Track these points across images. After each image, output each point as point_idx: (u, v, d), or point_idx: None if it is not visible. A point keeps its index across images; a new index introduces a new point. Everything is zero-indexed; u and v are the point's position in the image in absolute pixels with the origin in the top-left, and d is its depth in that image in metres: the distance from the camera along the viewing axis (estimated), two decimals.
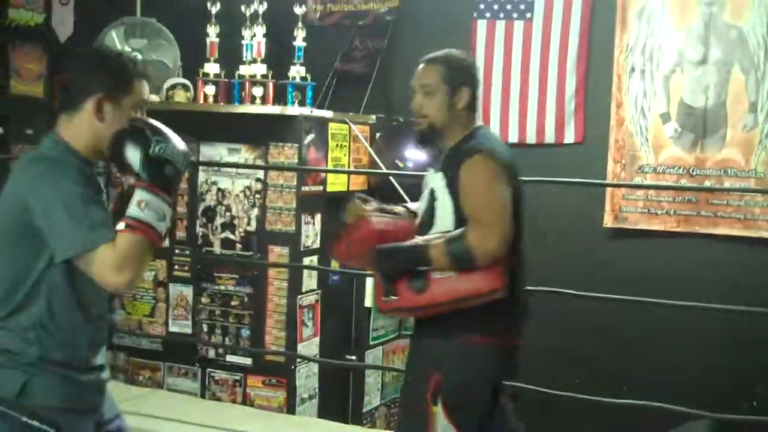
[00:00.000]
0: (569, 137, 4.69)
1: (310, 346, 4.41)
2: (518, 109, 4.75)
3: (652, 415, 3.40)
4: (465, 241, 2.39)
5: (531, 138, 4.74)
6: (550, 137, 4.72)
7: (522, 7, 4.73)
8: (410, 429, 2.66)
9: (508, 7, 4.77)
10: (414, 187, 4.39)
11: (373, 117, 4.75)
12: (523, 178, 3.96)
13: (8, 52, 4.38)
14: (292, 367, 4.30)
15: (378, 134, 4.73)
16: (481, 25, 4.80)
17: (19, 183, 2.08)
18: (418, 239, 2.52)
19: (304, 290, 4.34)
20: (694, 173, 4.42)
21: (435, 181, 2.56)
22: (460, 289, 2.43)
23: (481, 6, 4.80)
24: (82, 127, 2.13)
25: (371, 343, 4.82)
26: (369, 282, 4.48)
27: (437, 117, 2.55)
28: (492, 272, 2.42)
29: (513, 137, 4.75)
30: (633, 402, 3.46)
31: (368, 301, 4.58)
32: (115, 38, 4.66)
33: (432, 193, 2.57)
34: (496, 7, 4.78)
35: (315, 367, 4.45)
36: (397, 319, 4.82)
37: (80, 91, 2.12)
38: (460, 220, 2.47)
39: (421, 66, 2.64)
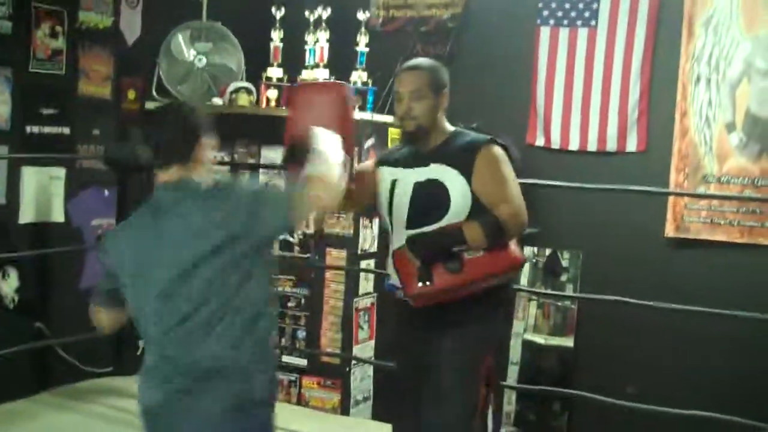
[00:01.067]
0: (631, 145, 4.63)
1: (365, 348, 4.43)
2: (580, 117, 4.70)
3: (716, 426, 3.33)
4: (499, 218, 2.61)
5: (592, 145, 4.69)
6: (612, 145, 4.66)
7: (586, 14, 4.68)
8: (463, 414, 2.72)
9: (573, 14, 4.72)
10: None
11: None
12: (586, 185, 3.96)
13: (78, 54, 4.48)
14: (347, 369, 4.33)
15: None
16: (545, 32, 4.77)
17: None
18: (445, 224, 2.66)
19: (360, 293, 4.36)
20: (759, 184, 4.32)
21: (439, 173, 2.69)
22: (496, 265, 2.62)
23: (545, 13, 4.77)
24: None
25: None
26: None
27: (426, 119, 2.72)
28: (516, 247, 2.72)
29: (574, 144, 4.71)
30: (699, 413, 3.40)
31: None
32: (181, 41, 4.74)
33: (428, 185, 2.70)
34: (560, 14, 4.75)
35: (370, 370, 4.46)
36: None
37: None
38: (476, 205, 2.66)
39: (406, 72, 2.77)
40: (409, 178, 2.74)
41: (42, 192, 4.27)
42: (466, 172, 2.67)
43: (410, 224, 2.69)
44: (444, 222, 2.64)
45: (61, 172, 4.38)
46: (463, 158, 2.69)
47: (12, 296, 4.24)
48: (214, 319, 2.10)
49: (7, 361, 3.97)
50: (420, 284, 2.58)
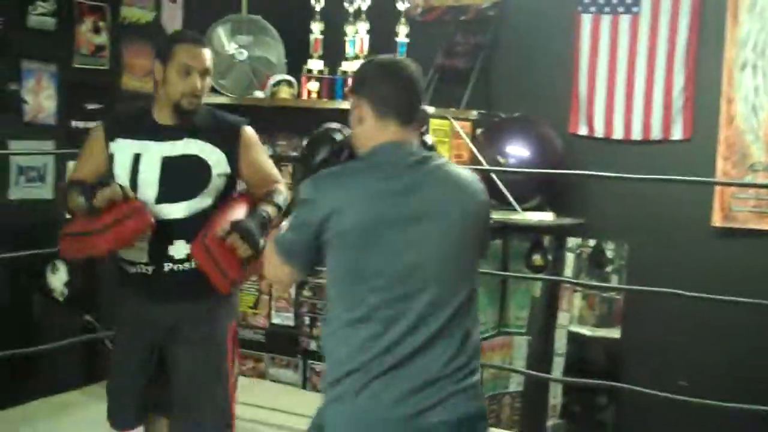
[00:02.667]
0: (677, 133, 4.56)
1: None
2: (624, 105, 4.65)
3: (764, 419, 3.29)
4: (282, 192, 2.76)
5: (637, 134, 4.63)
6: (656, 133, 4.60)
7: (629, 0, 4.62)
8: (219, 379, 2.78)
9: (615, 1, 4.66)
10: (515, 184, 4.38)
11: (475, 113, 4.73)
12: (631, 176, 3.91)
13: (120, 49, 4.52)
14: None
15: (479, 130, 4.70)
16: (586, 20, 4.72)
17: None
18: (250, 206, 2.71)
19: None
20: None
21: (196, 149, 2.65)
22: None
23: (587, 0, 4.72)
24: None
25: None
26: None
27: (203, 98, 2.72)
28: None
29: (618, 133, 4.65)
30: (748, 407, 3.35)
31: None
32: (221, 35, 4.77)
33: (183, 160, 2.64)
34: (601, 1, 4.69)
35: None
36: (493, 316, 4.81)
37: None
38: (230, 182, 2.74)
39: (199, 46, 2.67)
40: (155, 151, 2.65)
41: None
42: (229, 151, 2.69)
43: (160, 200, 2.62)
44: (199, 199, 2.64)
45: None
46: (224, 136, 2.70)
47: (61, 290, 4.31)
48: None
49: (58, 353, 4.03)
50: (244, 270, 2.61)
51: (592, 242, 4.85)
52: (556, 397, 4.88)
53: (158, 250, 2.63)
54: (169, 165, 2.64)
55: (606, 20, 4.67)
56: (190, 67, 2.60)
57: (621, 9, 4.64)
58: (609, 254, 4.91)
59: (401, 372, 1.91)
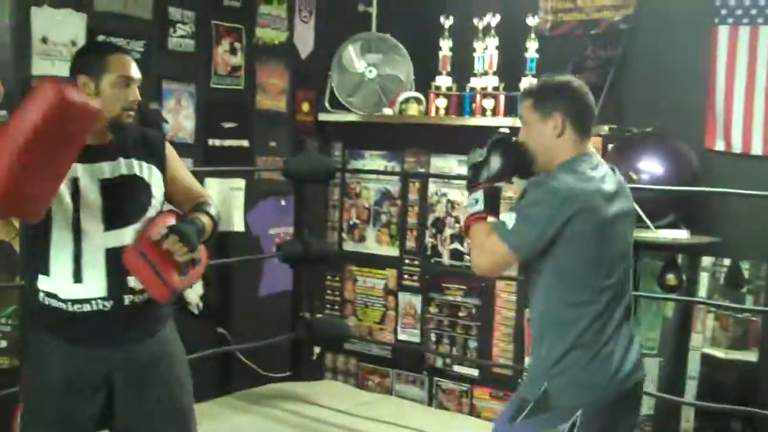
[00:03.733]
0: None
1: None
2: (764, 119, 4.47)
3: None
4: (213, 203, 2.62)
5: None
6: None
7: None
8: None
9: (753, 11, 4.50)
10: (648, 201, 4.28)
11: (606, 127, 4.64)
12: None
13: (255, 69, 4.65)
14: (520, 380, 4.28)
15: (611, 145, 4.61)
16: (723, 32, 4.56)
17: None
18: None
19: None
20: None
21: (133, 168, 2.51)
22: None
23: (723, 11, 4.56)
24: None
25: None
26: None
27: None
28: None
29: (757, 149, 4.48)
30: None
31: None
32: (352, 53, 4.85)
33: (123, 181, 2.48)
34: (739, 12, 4.53)
35: None
36: None
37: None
38: (164, 196, 2.59)
39: (128, 57, 2.51)
40: (93, 174, 2.43)
41: (224, 203, 4.45)
42: (161, 165, 2.55)
43: (108, 227, 2.42)
44: (145, 219, 2.47)
45: (241, 183, 4.56)
46: (153, 151, 2.55)
47: (197, 303, 4.44)
48: None
49: (193, 365, 4.15)
50: (182, 278, 2.45)
51: (726, 261, 4.69)
52: (688, 421, 4.72)
53: (117, 281, 2.41)
54: (109, 188, 2.44)
55: (744, 31, 4.51)
56: (128, 78, 2.43)
57: (760, 20, 4.47)
58: (745, 274, 4.74)
59: (620, 339, 2.35)
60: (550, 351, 2.32)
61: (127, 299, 2.43)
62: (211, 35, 4.40)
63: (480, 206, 2.36)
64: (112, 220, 2.43)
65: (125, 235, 2.42)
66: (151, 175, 2.52)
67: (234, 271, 4.57)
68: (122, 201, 2.45)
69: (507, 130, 2.51)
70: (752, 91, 4.52)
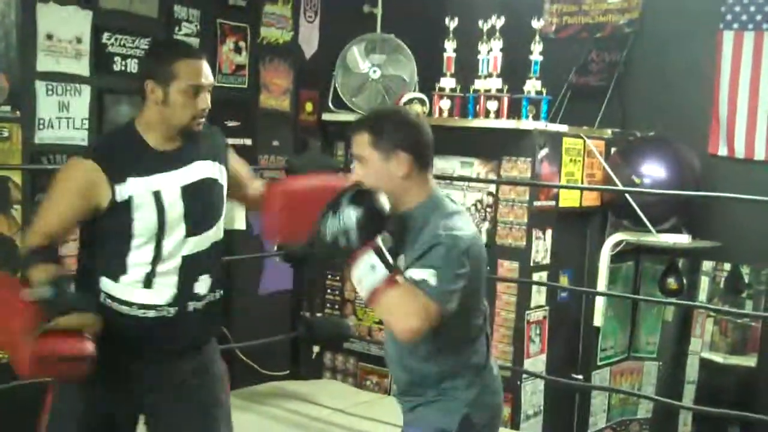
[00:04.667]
0: None
1: (536, 362, 4.38)
2: (767, 125, 4.48)
3: None
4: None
5: None
6: None
7: None
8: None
9: (758, 17, 4.51)
10: (650, 205, 4.28)
11: (609, 131, 4.65)
12: None
13: (259, 68, 4.65)
14: (518, 382, 4.29)
15: (614, 149, 4.62)
16: (728, 36, 4.57)
17: None
18: None
19: (532, 306, 4.32)
20: None
21: (208, 170, 2.43)
22: None
23: (728, 16, 4.57)
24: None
25: (599, 363, 4.71)
26: (599, 301, 4.40)
27: None
28: None
29: (760, 154, 4.49)
30: None
31: (597, 320, 4.48)
32: (356, 54, 4.85)
33: (202, 186, 2.41)
34: (744, 17, 4.54)
35: (541, 384, 4.41)
36: (623, 340, 4.70)
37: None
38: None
39: (203, 59, 2.38)
40: (173, 183, 2.37)
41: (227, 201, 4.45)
42: (226, 163, 2.51)
43: (189, 234, 2.37)
44: (219, 223, 2.45)
45: None
46: (219, 149, 2.49)
47: None
48: None
49: None
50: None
51: (727, 266, 4.71)
52: (686, 425, 4.74)
53: (186, 288, 2.38)
54: (190, 194, 2.38)
55: (749, 37, 4.52)
56: (198, 87, 2.32)
57: (765, 26, 4.48)
58: (746, 279, 4.76)
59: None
60: (460, 382, 2.30)
61: (191, 306, 2.39)
62: (216, 34, 4.40)
63: (383, 270, 2.08)
64: (194, 226, 2.39)
65: (204, 241, 2.41)
66: (222, 176, 2.48)
67: (234, 269, 4.57)
68: (203, 205, 2.41)
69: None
70: (756, 97, 4.53)
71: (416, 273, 2.10)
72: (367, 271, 2.09)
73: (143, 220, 2.32)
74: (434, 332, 2.14)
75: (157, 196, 2.33)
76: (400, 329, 2.10)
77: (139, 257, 2.34)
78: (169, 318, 2.37)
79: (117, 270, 2.34)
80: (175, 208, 2.35)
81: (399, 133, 2.21)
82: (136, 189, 2.32)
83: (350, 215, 2.09)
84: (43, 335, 2.11)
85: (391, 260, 2.11)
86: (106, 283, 2.34)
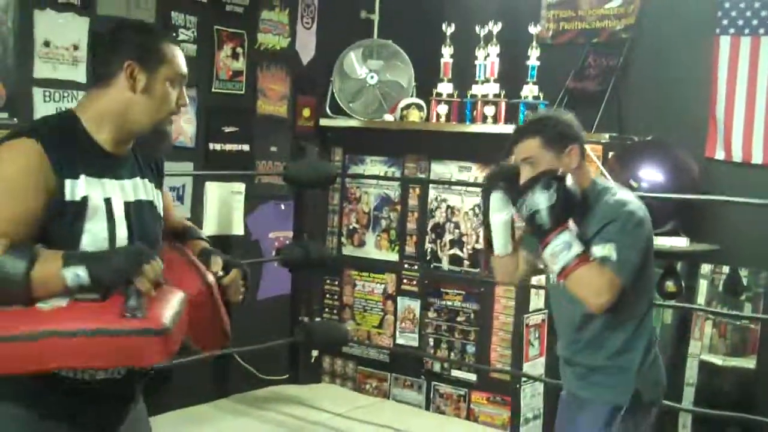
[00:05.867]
0: None
1: (535, 365, 4.38)
2: (764, 128, 4.49)
3: None
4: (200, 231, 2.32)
5: None
6: None
7: None
8: None
9: (755, 22, 4.51)
10: (648, 209, 4.28)
11: (606, 136, 4.65)
12: None
13: (256, 74, 4.66)
14: (517, 386, 4.29)
15: (611, 153, 4.62)
16: (725, 41, 4.58)
17: None
18: None
19: (531, 309, 4.32)
20: None
21: (147, 192, 2.01)
22: None
23: (725, 22, 4.58)
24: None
25: None
26: None
27: None
28: None
29: (757, 158, 4.49)
30: None
31: None
32: (353, 60, 4.87)
33: (142, 209, 1.97)
34: (741, 22, 4.55)
35: (540, 387, 4.41)
36: None
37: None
38: None
39: (178, 47, 2.00)
40: (118, 195, 1.91)
41: (224, 206, 4.47)
42: (161, 188, 2.08)
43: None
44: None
45: (241, 187, 4.57)
46: (158, 171, 2.08)
47: None
48: None
49: (192, 367, 4.16)
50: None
51: (725, 269, 4.70)
52: (685, 427, 4.73)
53: None
54: (133, 215, 1.93)
55: (746, 42, 4.53)
56: (183, 76, 1.96)
57: (762, 30, 4.48)
58: (744, 281, 4.75)
59: None
60: (634, 354, 2.50)
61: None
62: (213, 40, 4.41)
63: (578, 248, 2.37)
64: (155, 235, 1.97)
65: None
66: (159, 202, 2.04)
67: None
68: (145, 233, 1.95)
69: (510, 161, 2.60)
70: (753, 101, 4.53)
71: (598, 249, 2.38)
72: (562, 248, 2.36)
73: (93, 234, 1.83)
74: (618, 303, 2.39)
75: (108, 205, 1.87)
76: (591, 303, 2.40)
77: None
78: (117, 379, 1.92)
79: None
80: (121, 226, 1.89)
81: (573, 129, 2.56)
82: (92, 190, 1.84)
83: (551, 196, 2.37)
84: None
85: (581, 240, 2.39)
86: None
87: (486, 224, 2.67)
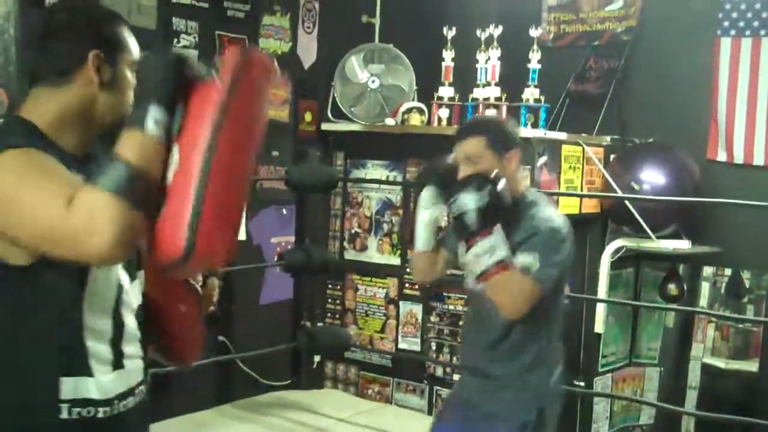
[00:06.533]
0: None
1: None
2: (765, 130, 4.49)
3: None
4: None
5: None
6: None
7: None
8: None
9: (755, 23, 4.52)
10: (650, 211, 4.29)
11: (608, 138, 4.66)
12: None
13: None
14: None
15: (612, 156, 4.62)
16: (725, 43, 4.58)
17: None
18: None
19: None
20: None
21: None
22: None
23: (726, 23, 4.58)
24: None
25: (600, 369, 4.71)
26: (599, 307, 4.39)
27: None
28: None
29: (759, 160, 4.49)
30: None
31: (598, 327, 4.47)
32: (354, 64, 4.87)
33: None
34: (741, 24, 4.55)
35: None
36: (625, 346, 4.69)
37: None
38: None
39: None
40: None
41: None
42: None
43: (131, 274, 1.72)
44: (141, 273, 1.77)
45: None
46: None
47: None
48: None
49: (194, 373, 4.16)
50: None
51: (728, 271, 4.70)
52: (688, 431, 4.73)
53: (145, 351, 1.74)
54: None
55: (747, 43, 4.53)
56: (137, 62, 1.68)
57: (763, 32, 4.49)
58: (746, 284, 4.75)
59: None
60: (544, 371, 2.56)
61: (150, 372, 1.77)
62: (215, 46, 4.40)
63: (501, 253, 2.35)
64: (131, 265, 1.69)
65: (137, 288, 1.70)
66: None
67: (235, 279, 4.57)
68: None
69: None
70: (754, 102, 4.53)
71: (521, 258, 2.40)
72: (485, 252, 2.34)
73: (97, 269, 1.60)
74: (531, 313, 2.41)
75: None
76: (506, 308, 2.41)
77: (98, 323, 1.60)
78: (142, 400, 1.73)
79: (77, 357, 1.57)
80: None
81: (514, 135, 2.60)
82: None
83: (482, 198, 2.35)
84: None
85: (507, 246, 2.38)
86: (66, 387, 1.55)
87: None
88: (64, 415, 1.54)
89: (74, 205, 1.40)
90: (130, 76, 1.66)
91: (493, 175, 2.40)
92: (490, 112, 4.43)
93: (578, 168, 4.46)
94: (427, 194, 2.63)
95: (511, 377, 2.52)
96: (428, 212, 2.63)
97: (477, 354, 2.62)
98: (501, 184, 2.38)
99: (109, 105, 1.65)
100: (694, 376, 4.78)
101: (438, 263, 2.76)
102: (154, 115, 1.47)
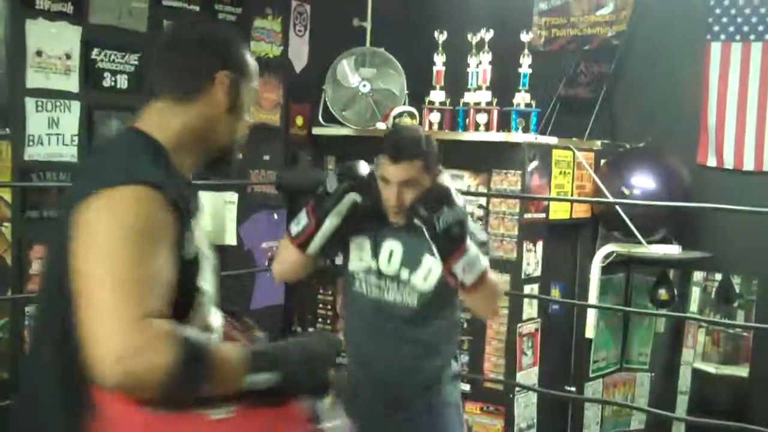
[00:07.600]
0: None
1: (529, 374, 4.37)
2: (755, 135, 4.50)
3: None
4: None
5: None
6: None
7: (761, 28, 4.48)
8: None
9: (745, 28, 4.53)
10: (640, 216, 4.29)
11: (599, 143, 4.67)
12: (762, 209, 3.76)
13: None
14: (511, 395, 4.28)
15: (603, 161, 4.63)
16: (716, 48, 4.60)
17: None
18: None
19: (524, 318, 4.31)
20: None
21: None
22: None
23: (716, 28, 4.60)
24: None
25: (591, 374, 4.71)
26: (590, 313, 4.40)
27: None
28: None
29: (749, 165, 4.51)
30: None
31: (589, 332, 4.47)
32: (346, 68, 4.86)
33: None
34: (731, 28, 4.56)
35: (534, 397, 4.40)
36: (615, 351, 4.69)
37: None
38: None
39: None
40: (202, 238, 1.69)
41: (217, 216, 4.45)
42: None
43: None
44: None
45: (234, 196, 4.55)
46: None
47: None
48: None
49: None
50: None
51: (718, 276, 4.71)
52: None
53: None
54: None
55: (736, 48, 4.54)
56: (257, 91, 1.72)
57: (752, 36, 4.50)
58: (737, 289, 4.76)
59: None
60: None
61: None
62: None
63: (485, 260, 2.54)
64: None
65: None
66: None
67: (226, 284, 4.55)
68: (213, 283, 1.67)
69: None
70: (744, 107, 4.55)
71: (481, 259, 2.49)
72: (475, 260, 2.46)
73: (206, 294, 1.58)
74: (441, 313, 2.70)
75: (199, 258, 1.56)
76: (495, 309, 2.72)
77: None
78: None
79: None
80: (208, 281, 1.62)
81: (436, 150, 2.67)
82: (196, 243, 1.54)
83: (463, 210, 2.49)
84: None
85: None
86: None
87: (319, 220, 2.59)
88: None
89: (143, 328, 1.26)
90: (250, 104, 1.64)
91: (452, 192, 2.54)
92: (481, 118, 4.41)
93: (569, 173, 4.46)
94: (347, 201, 2.58)
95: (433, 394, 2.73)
96: (337, 220, 2.57)
97: (378, 371, 2.76)
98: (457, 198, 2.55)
99: (228, 128, 1.61)
100: (684, 381, 4.78)
101: (307, 267, 2.73)
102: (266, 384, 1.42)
